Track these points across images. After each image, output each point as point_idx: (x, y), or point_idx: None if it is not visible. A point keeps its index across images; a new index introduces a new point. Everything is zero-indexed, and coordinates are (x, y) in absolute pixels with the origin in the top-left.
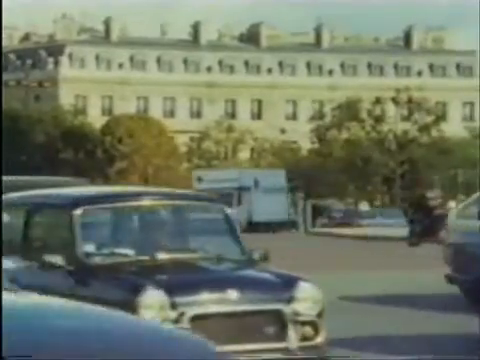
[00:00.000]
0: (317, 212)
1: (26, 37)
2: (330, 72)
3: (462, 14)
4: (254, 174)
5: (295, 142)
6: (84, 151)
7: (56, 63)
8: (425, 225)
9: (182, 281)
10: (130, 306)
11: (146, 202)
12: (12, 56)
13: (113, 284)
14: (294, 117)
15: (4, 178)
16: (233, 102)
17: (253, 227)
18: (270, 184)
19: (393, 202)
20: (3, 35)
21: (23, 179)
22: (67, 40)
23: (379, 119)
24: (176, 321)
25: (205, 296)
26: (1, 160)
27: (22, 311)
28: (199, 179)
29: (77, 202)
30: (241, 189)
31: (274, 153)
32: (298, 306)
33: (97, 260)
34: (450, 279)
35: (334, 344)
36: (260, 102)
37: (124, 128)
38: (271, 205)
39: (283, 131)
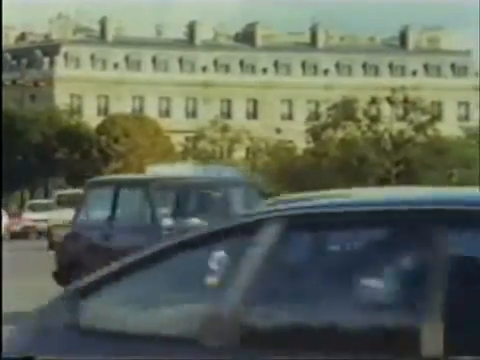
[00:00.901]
0: None
1: (22, 37)
2: (325, 72)
3: (458, 14)
4: (209, 170)
5: (291, 142)
6: (80, 151)
7: (52, 63)
8: None
9: None
10: None
11: None
12: (8, 56)
13: None
14: (289, 117)
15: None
16: (228, 102)
17: None
18: None
19: None
20: None
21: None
22: (63, 40)
23: (375, 119)
24: None
25: None
26: (1, 160)
27: None
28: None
29: None
30: None
31: (269, 153)
32: None
33: None
34: None
35: None
36: (255, 102)
37: (120, 128)
38: None
39: (278, 131)
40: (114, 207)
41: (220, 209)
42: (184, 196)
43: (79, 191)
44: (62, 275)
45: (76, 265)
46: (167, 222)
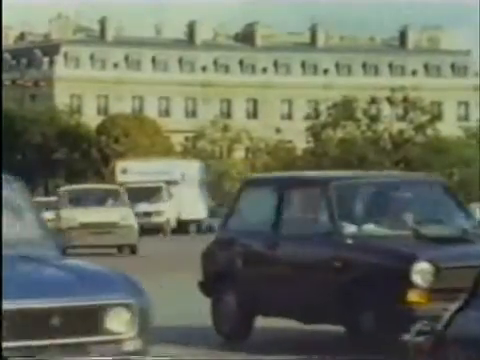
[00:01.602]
0: None
1: (21, 36)
2: (325, 72)
3: (458, 14)
4: (181, 166)
5: (290, 141)
6: (79, 151)
7: (51, 63)
8: None
9: None
10: None
11: None
12: (7, 56)
13: None
14: (289, 116)
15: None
16: (228, 102)
17: (183, 226)
18: (192, 177)
19: None
20: None
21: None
22: (62, 39)
23: (374, 118)
24: None
25: None
26: (1, 159)
27: None
28: (124, 171)
29: None
30: (169, 182)
31: (269, 152)
32: None
33: None
34: None
35: None
36: (255, 101)
37: (119, 128)
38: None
39: (278, 130)
40: (279, 210)
41: (402, 213)
42: (362, 197)
43: (87, 187)
44: (210, 286)
45: (228, 276)
46: (350, 229)
